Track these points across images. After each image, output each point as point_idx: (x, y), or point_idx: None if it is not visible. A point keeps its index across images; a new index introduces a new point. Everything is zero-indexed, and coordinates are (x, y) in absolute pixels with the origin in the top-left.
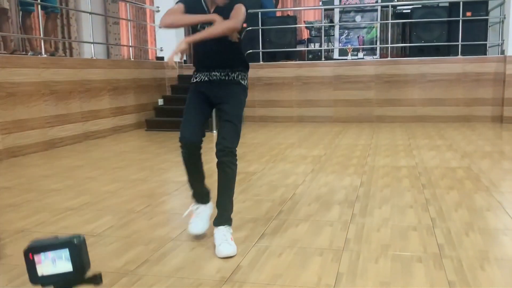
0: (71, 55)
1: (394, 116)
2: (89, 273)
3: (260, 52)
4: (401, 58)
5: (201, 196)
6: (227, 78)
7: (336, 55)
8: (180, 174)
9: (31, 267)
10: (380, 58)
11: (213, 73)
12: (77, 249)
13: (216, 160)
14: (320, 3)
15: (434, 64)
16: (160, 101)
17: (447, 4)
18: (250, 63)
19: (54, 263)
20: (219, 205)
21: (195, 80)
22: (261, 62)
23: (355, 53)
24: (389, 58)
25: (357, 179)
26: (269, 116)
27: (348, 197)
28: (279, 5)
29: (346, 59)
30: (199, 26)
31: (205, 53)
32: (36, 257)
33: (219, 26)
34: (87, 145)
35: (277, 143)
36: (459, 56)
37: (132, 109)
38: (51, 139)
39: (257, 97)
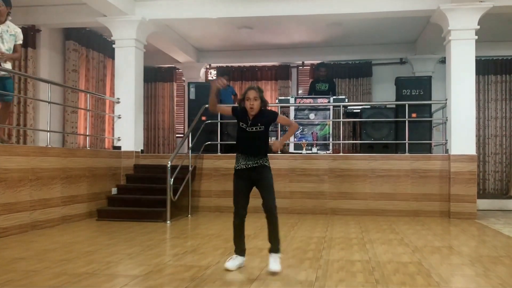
0: (24, 142)
1: (347, 209)
2: None
3: (218, 144)
4: (353, 154)
5: (240, 250)
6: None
7: (291, 149)
8: (130, 268)
9: None
10: (333, 153)
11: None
12: None
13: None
14: (277, 100)
15: (383, 161)
16: (114, 190)
17: (393, 106)
18: (208, 154)
19: None
20: (271, 240)
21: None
22: (219, 154)
23: (309, 147)
24: (341, 154)
25: (312, 274)
26: (225, 206)
27: None
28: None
29: (301, 153)
30: (243, 125)
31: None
32: None
33: (293, 130)
34: (34, 235)
35: (232, 234)
36: (407, 154)
37: (84, 198)
38: None
39: (213, 187)
